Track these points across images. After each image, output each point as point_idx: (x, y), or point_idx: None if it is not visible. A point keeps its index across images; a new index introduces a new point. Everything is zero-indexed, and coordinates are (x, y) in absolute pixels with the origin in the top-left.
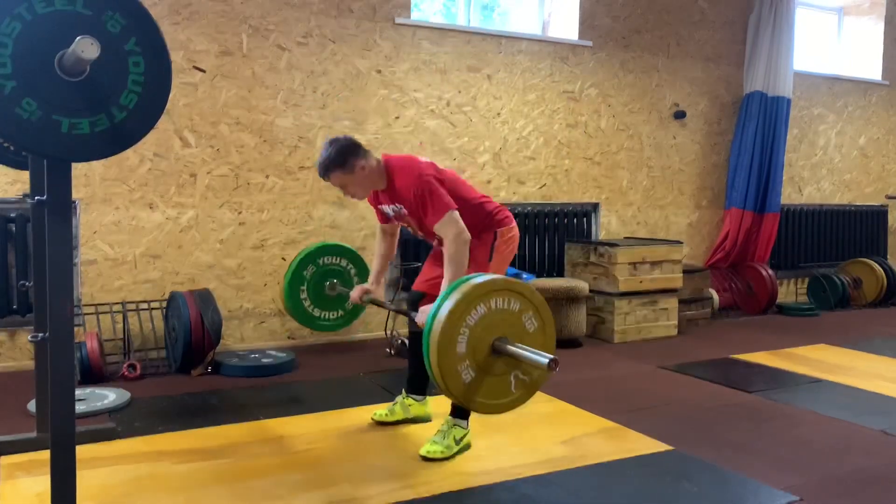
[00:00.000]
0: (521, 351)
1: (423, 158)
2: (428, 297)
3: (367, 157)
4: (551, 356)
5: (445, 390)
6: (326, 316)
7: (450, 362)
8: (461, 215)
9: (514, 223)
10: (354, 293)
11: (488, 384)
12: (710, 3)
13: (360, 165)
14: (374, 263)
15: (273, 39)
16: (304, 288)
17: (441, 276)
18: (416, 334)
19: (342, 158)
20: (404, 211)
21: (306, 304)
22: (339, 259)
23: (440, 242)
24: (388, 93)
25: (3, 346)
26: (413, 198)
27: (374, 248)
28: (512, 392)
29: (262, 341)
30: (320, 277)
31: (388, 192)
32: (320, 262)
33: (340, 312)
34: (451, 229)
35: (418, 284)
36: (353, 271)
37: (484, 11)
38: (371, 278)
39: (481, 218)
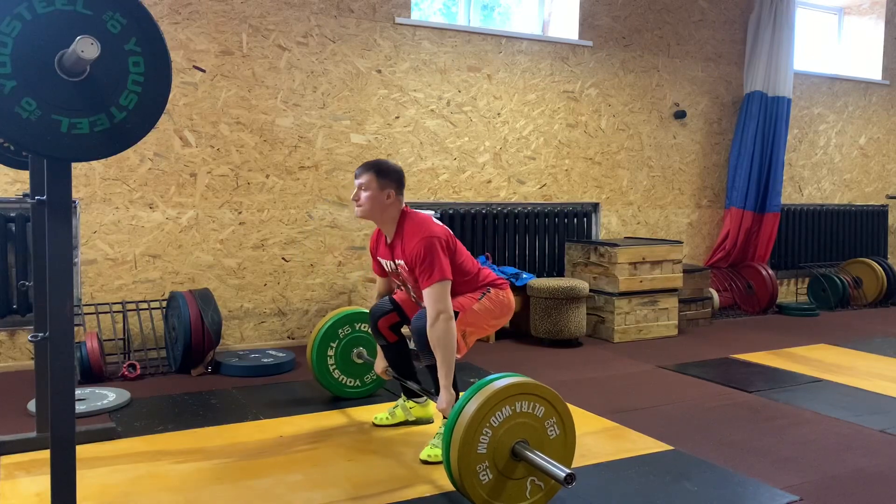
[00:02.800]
0: (539, 461)
1: (439, 223)
2: (392, 314)
3: (398, 195)
4: (568, 471)
5: (461, 488)
6: (354, 383)
7: (469, 461)
8: (461, 285)
9: (511, 294)
10: (378, 367)
11: (505, 486)
12: (710, 3)
13: (390, 193)
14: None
15: (273, 39)
16: (332, 356)
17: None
18: (385, 347)
19: (386, 172)
20: (403, 269)
21: (334, 371)
22: (355, 325)
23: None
24: (389, 92)
25: (3, 345)
26: (415, 255)
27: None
28: (527, 497)
29: (262, 341)
30: (347, 345)
31: (391, 245)
32: (346, 329)
33: (367, 380)
34: (436, 303)
35: (400, 297)
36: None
37: (484, 11)
38: (380, 354)
39: (479, 283)
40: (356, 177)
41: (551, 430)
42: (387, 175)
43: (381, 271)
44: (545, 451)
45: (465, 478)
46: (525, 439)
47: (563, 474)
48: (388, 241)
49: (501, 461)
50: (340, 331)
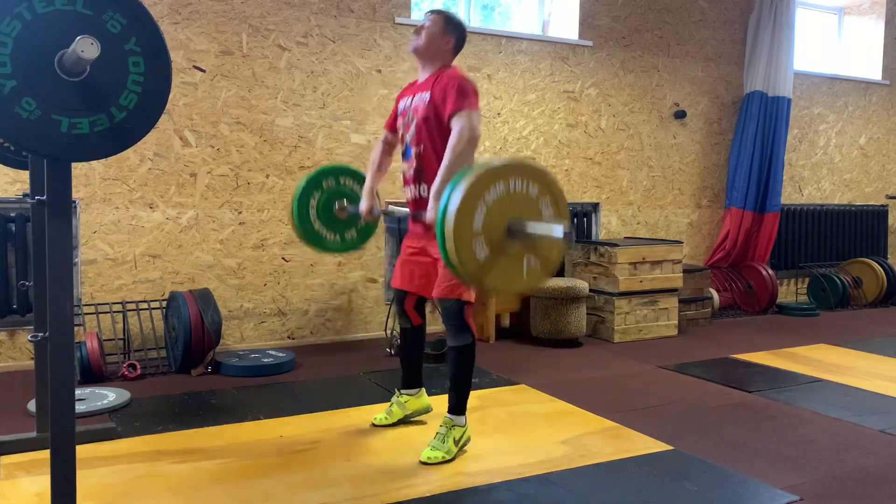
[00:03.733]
0: (535, 225)
1: None
2: (410, 295)
3: (455, 50)
4: (566, 229)
5: (459, 265)
6: (334, 237)
7: (465, 236)
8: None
9: None
10: (364, 210)
11: (502, 265)
12: (710, 3)
13: (449, 40)
14: (368, 176)
15: (273, 39)
16: (314, 211)
17: (412, 271)
18: (407, 330)
19: (455, 25)
20: (424, 101)
21: (316, 226)
22: (345, 180)
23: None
24: (389, 92)
25: (3, 345)
26: (448, 86)
27: (370, 161)
28: (524, 276)
29: (262, 341)
30: (328, 200)
31: (422, 82)
32: (325, 184)
33: (348, 236)
34: (466, 124)
35: (401, 283)
36: (359, 191)
37: (484, 11)
38: (366, 192)
39: None
40: (425, 16)
41: (545, 210)
42: (454, 25)
43: (391, 123)
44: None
45: (461, 252)
46: (519, 217)
47: (561, 230)
48: (421, 80)
49: (496, 238)
50: (325, 182)
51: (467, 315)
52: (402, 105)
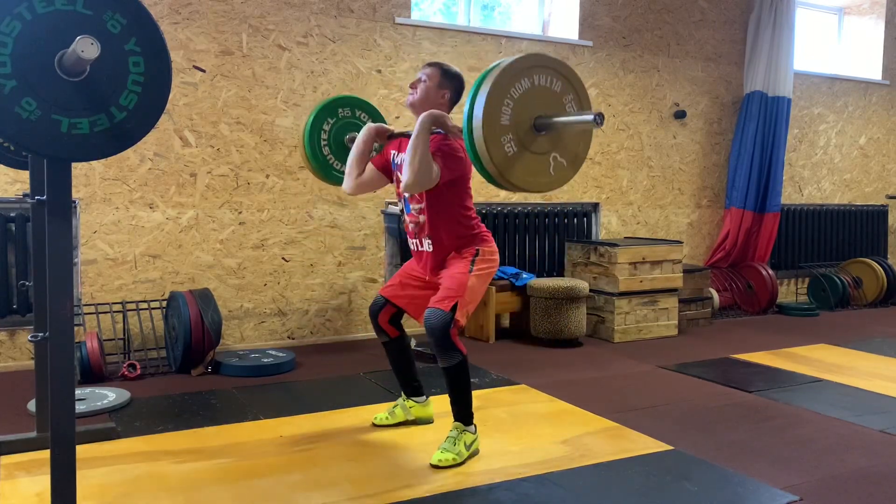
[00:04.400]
0: (563, 118)
1: None
2: (388, 307)
3: (451, 101)
4: (595, 112)
5: (489, 161)
6: (341, 168)
7: (494, 132)
8: (461, 224)
9: (495, 245)
10: (373, 127)
11: (528, 160)
12: (710, 3)
13: (445, 93)
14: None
15: (273, 39)
16: (327, 133)
17: (410, 296)
18: (387, 343)
19: (451, 77)
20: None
21: (325, 148)
22: (358, 113)
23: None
24: (389, 92)
25: (3, 345)
26: (435, 152)
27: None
28: (551, 172)
29: (262, 341)
30: (343, 128)
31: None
32: (346, 112)
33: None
34: (423, 165)
35: (391, 292)
36: (367, 120)
37: (484, 11)
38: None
39: (468, 231)
40: (421, 70)
41: (569, 107)
42: (451, 78)
43: (379, 163)
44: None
45: (490, 146)
46: (545, 111)
47: (591, 115)
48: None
49: (523, 134)
50: (341, 111)
51: (453, 335)
52: (397, 160)
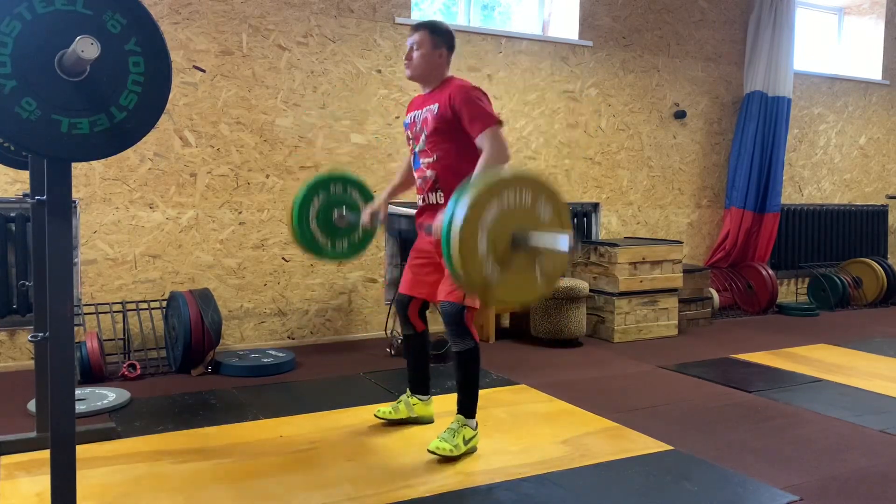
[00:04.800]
0: (538, 235)
1: None
2: (415, 301)
3: (449, 55)
4: (571, 241)
5: (466, 283)
6: (331, 245)
7: (471, 253)
8: (465, 172)
9: None
10: (365, 217)
11: (508, 277)
12: (710, 3)
13: (442, 52)
14: (390, 184)
15: (273, 39)
16: (314, 218)
17: (429, 282)
18: (410, 337)
19: (441, 32)
20: (432, 113)
21: (316, 234)
22: (345, 188)
23: (430, 183)
24: (389, 92)
25: (3, 345)
26: (460, 99)
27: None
28: (531, 287)
29: (262, 341)
30: (328, 207)
31: (429, 95)
32: (328, 191)
33: (355, 239)
34: (495, 144)
35: (409, 289)
36: (361, 201)
37: (484, 11)
38: (382, 196)
39: None
40: (409, 38)
41: (543, 213)
42: (441, 34)
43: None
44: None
45: (467, 269)
46: (520, 227)
47: (566, 242)
48: (426, 93)
49: (502, 254)
50: (325, 189)
51: (468, 320)
52: (409, 118)
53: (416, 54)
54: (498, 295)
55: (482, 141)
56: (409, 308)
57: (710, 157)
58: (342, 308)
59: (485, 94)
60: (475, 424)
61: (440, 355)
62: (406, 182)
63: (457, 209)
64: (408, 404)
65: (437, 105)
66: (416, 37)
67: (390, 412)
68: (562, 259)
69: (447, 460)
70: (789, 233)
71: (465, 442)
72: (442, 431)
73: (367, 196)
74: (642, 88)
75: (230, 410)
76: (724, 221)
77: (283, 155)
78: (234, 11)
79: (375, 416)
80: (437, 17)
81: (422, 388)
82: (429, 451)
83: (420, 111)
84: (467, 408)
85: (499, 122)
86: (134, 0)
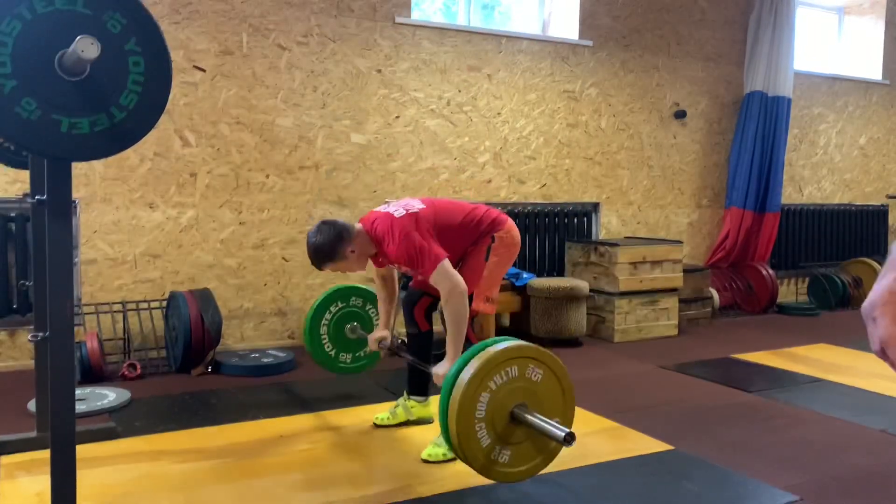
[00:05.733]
0: (538, 422)
1: (398, 210)
2: (424, 298)
3: (353, 238)
4: (567, 430)
5: (460, 451)
6: (346, 358)
7: (468, 424)
8: (456, 240)
9: (511, 222)
10: (371, 341)
11: (507, 452)
12: (710, 3)
13: (350, 250)
14: (380, 310)
15: (273, 39)
16: (325, 331)
17: None
18: (414, 335)
19: (331, 251)
20: (400, 268)
21: (326, 346)
22: (359, 301)
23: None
24: (389, 92)
25: (3, 345)
26: (405, 259)
27: (378, 295)
28: (531, 460)
29: (262, 341)
30: (340, 320)
31: (380, 255)
32: (340, 304)
33: (360, 355)
34: (445, 283)
35: (420, 284)
36: (373, 314)
37: (484, 11)
38: (381, 324)
39: (477, 231)
40: (322, 270)
41: (550, 392)
42: (334, 251)
43: (379, 264)
44: (545, 413)
45: (463, 441)
46: (524, 402)
47: (563, 434)
48: (375, 253)
49: (500, 425)
50: (333, 305)
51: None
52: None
53: (345, 269)
54: (495, 466)
55: (435, 282)
56: (415, 307)
57: (710, 156)
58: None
59: (415, 237)
60: None
61: (440, 355)
62: (391, 297)
63: (461, 374)
64: (405, 408)
65: (397, 264)
66: (327, 269)
67: (388, 418)
68: (555, 445)
69: (446, 461)
70: (789, 233)
71: None
72: (434, 438)
73: (369, 297)
74: (642, 88)
75: (230, 410)
76: (724, 221)
77: (283, 155)
78: (234, 11)
79: (374, 423)
80: (437, 17)
81: (420, 389)
82: (423, 459)
83: (390, 266)
84: None
85: (442, 257)
86: (134, 0)
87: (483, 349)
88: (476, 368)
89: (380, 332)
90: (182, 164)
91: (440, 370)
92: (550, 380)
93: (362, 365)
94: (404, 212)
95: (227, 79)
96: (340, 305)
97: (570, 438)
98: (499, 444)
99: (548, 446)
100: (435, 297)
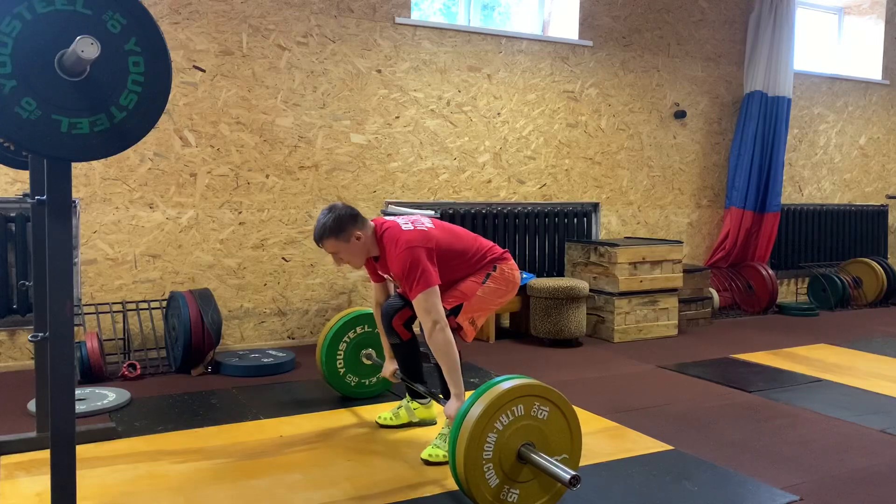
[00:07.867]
0: (545, 463)
1: (407, 224)
2: (404, 310)
3: (363, 226)
4: (573, 473)
5: (468, 491)
6: (362, 384)
7: (476, 464)
8: (457, 267)
9: (514, 262)
10: (386, 371)
11: (515, 492)
12: (710, 3)
13: (357, 235)
14: (384, 342)
15: (273, 39)
16: (341, 357)
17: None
18: (397, 345)
19: (339, 227)
20: (391, 275)
21: (341, 370)
22: (363, 327)
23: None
24: (388, 92)
25: (3, 345)
26: (400, 269)
27: (377, 322)
28: (539, 499)
29: (262, 341)
30: (356, 347)
31: (380, 261)
32: (357, 330)
33: (373, 380)
34: (426, 314)
35: (404, 290)
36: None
37: (484, 11)
38: (388, 356)
39: (480, 261)
40: (320, 246)
41: (557, 431)
42: (341, 227)
43: (377, 277)
44: (551, 453)
45: (471, 480)
46: (531, 441)
47: (568, 476)
48: (377, 255)
49: (507, 463)
50: (350, 333)
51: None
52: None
53: (342, 258)
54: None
55: (417, 305)
56: (394, 317)
57: (710, 156)
58: (342, 308)
59: (420, 254)
60: None
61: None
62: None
63: (471, 410)
64: (408, 409)
65: (393, 275)
66: (327, 246)
67: (391, 418)
68: (559, 487)
69: (446, 462)
70: (789, 233)
71: None
72: (434, 438)
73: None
74: (642, 88)
75: (230, 410)
76: (724, 221)
77: (283, 155)
78: (234, 11)
79: (377, 423)
80: (437, 18)
81: (419, 393)
82: (423, 460)
83: (386, 275)
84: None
85: (433, 284)
86: (134, 0)
87: (491, 387)
88: (484, 408)
89: (391, 366)
90: (182, 165)
91: (450, 411)
92: (556, 416)
93: (377, 389)
94: (412, 227)
95: (227, 79)
96: (357, 332)
97: (574, 481)
98: (507, 483)
99: (554, 486)
100: (414, 314)
